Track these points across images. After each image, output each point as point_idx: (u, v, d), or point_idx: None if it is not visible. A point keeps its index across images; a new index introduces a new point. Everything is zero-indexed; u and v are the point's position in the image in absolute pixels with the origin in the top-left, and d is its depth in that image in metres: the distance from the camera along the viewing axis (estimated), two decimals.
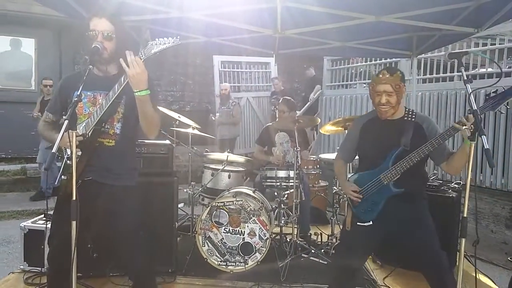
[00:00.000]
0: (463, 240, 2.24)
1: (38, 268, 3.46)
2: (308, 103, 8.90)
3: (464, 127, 2.32)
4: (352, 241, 2.87)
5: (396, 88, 2.68)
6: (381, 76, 2.69)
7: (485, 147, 2.02)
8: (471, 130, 2.19)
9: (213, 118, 8.10)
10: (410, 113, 2.80)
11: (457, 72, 6.38)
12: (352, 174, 3.06)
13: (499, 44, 5.90)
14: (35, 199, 6.64)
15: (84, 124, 2.40)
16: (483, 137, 2.05)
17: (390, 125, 2.79)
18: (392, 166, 2.68)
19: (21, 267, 3.57)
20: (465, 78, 2.22)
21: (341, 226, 4.52)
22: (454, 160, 2.59)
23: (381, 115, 2.77)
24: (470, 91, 2.16)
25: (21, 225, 3.60)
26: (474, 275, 2.91)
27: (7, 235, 5.11)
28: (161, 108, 3.94)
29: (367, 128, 2.91)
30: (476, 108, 2.13)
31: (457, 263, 2.38)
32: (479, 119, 2.10)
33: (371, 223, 2.77)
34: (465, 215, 2.19)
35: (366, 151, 2.92)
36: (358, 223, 2.81)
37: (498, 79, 2.56)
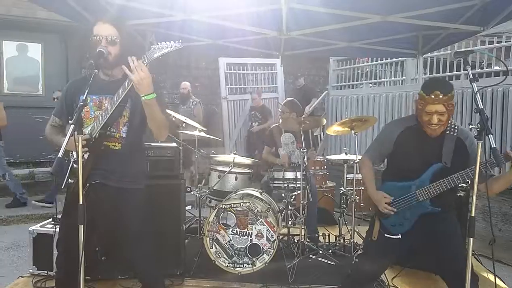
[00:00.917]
0: (471, 240, 2.21)
1: (47, 272, 3.48)
2: (312, 104, 8.84)
3: None
4: (379, 253, 2.79)
5: (449, 107, 2.51)
6: (433, 97, 2.47)
7: (492, 146, 2.01)
8: (478, 129, 2.16)
9: (173, 119, 7.64)
10: (453, 126, 2.64)
11: (463, 70, 6.34)
12: (382, 181, 2.87)
13: (506, 42, 5.85)
14: (10, 206, 6.51)
15: (90, 127, 2.42)
16: (490, 136, 2.04)
17: (431, 138, 2.63)
18: (431, 184, 2.56)
19: (30, 271, 3.60)
20: (471, 76, 2.20)
21: (348, 227, 4.55)
22: (497, 185, 2.48)
23: (429, 133, 2.61)
24: (476, 89, 2.14)
25: (29, 229, 3.62)
26: (483, 274, 2.92)
27: (16, 239, 5.15)
28: (167, 111, 3.95)
29: (405, 136, 2.73)
30: (482, 107, 2.12)
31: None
32: (485, 118, 2.08)
33: (399, 236, 2.67)
34: (472, 215, 2.17)
35: (400, 161, 2.75)
36: (386, 235, 2.71)
37: (504, 77, 2.54)
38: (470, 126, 2.25)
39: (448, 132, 2.62)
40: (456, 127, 2.64)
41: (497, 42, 5.99)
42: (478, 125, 2.13)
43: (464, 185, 3.98)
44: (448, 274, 2.68)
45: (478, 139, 2.15)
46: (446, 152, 2.56)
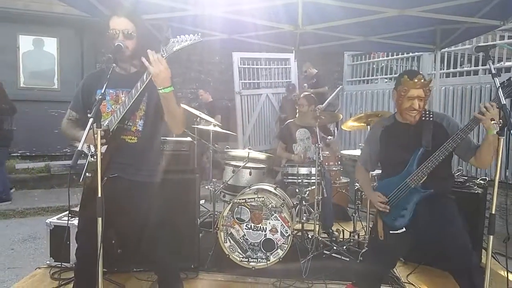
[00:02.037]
0: (491, 237, 2.18)
1: (63, 264, 3.51)
2: (328, 96, 8.81)
3: (485, 117, 2.28)
4: (385, 250, 2.84)
5: (427, 93, 2.66)
6: (416, 80, 2.62)
7: None
8: (500, 124, 2.13)
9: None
10: (427, 113, 2.75)
11: (482, 66, 6.24)
12: (377, 181, 2.99)
13: None
14: None
15: (107, 121, 2.42)
16: None
17: (409, 128, 2.75)
18: (418, 168, 2.63)
19: (47, 262, 3.65)
20: (493, 71, 2.16)
21: (363, 223, 4.53)
22: (482, 153, 2.52)
23: (409, 120, 2.72)
24: (499, 84, 2.10)
25: (47, 221, 3.67)
26: (501, 272, 2.87)
27: (33, 231, 5.22)
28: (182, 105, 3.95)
29: (386, 135, 2.87)
30: (504, 102, 2.08)
31: (485, 261, 2.31)
32: (508, 114, 2.04)
33: (404, 229, 2.71)
34: (493, 212, 2.14)
35: (388, 158, 2.87)
36: (391, 232, 2.75)
37: None
38: (493, 122, 2.21)
39: (423, 118, 2.74)
40: (430, 113, 2.75)
41: None
42: (500, 120, 2.09)
43: (482, 182, 3.94)
44: (448, 262, 2.73)
45: (500, 135, 2.11)
46: (425, 137, 2.65)
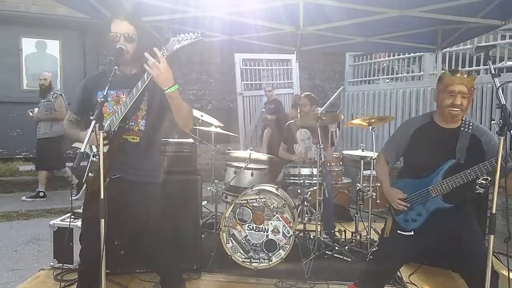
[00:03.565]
0: (492, 237, 2.18)
1: (67, 265, 3.53)
2: (328, 101, 8.84)
3: None
4: (392, 249, 2.81)
5: (471, 91, 2.54)
6: (458, 75, 2.52)
7: None
8: (500, 124, 2.13)
9: (31, 114, 6.71)
10: (467, 123, 2.62)
11: (483, 65, 6.24)
12: (397, 179, 2.89)
13: None
14: None
15: (109, 122, 2.43)
16: None
17: (446, 134, 2.64)
18: (443, 179, 2.55)
19: (51, 264, 3.67)
20: (493, 71, 2.16)
21: (365, 224, 4.53)
22: None
23: (450, 119, 2.59)
24: (499, 85, 2.10)
25: (50, 223, 3.69)
26: (503, 272, 2.86)
27: (36, 233, 5.24)
28: None
29: (420, 134, 2.74)
30: (504, 103, 2.08)
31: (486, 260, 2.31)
32: (508, 114, 2.04)
33: (412, 233, 2.67)
34: (493, 211, 2.14)
35: (415, 158, 2.76)
36: (399, 231, 2.72)
37: None
38: (493, 122, 2.22)
39: (462, 128, 2.62)
40: (471, 124, 2.63)
41: None
42: (500, 120, 2.10)
43: (484, 182, 3.93)
44: (466, 271, 2.66)
45: (500, 135, 2.12)
46: (460, 149, 2.55)
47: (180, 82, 8.91)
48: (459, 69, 2.68)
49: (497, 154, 2.19)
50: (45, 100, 6.75)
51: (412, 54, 7.68)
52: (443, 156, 2.59)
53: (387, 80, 8.47)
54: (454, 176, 2.51)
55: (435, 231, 2.64)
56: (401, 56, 8.10)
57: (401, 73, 8.45)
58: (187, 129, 2.54)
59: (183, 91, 9.10)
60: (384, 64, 8.69)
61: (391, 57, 8.36)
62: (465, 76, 2.53)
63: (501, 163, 2.24)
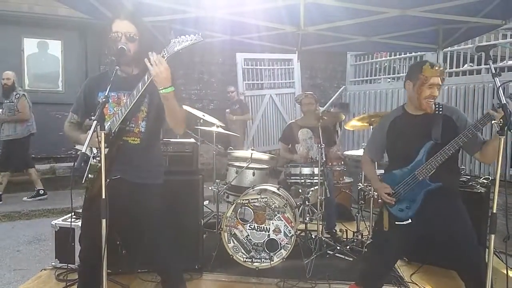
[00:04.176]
0: (493, 236, 2.19)
1: (69, 265, 3.55)
2: (330, 101, 8.82)
3: (499, 114, 2.26)
4: (389, 241, 2.86)
5: (442, 81, 2.70)
6: (436, 68, 2.65)
7: None
8: (500, 124, 2.14)
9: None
10: (437, 106, 2.76)
11: (484, 65, 6.23)
12: (383, 173, 3.00)
13: None
14: None
15: (109, 123, 2.44)
16: None
17: (419, 120, 2.76)
18: (427, 161, 2.65)
19: (53, 263, 3.68)
20: (493, 71, 2.17)
21: (366, 223, 4.54)
22: (488, 150, 2.53)
23: (428, 108, 2.71)
24: (499, 84, 2.11)
25: (52, 223, 3.69)
26: (504, 271, 2.87)
27: (38, 233, 5.25)
28: (185, 107, 3.98)
29: (395, 126, 2.88)
30: (505, 102, 2.09)
31: (487, 260, 2.31)
32: (508, 113, 2.05)
33: (410, 221, 2.73)
34: (494, 211, 2.15)
35: (396, 149, 2.88)
36: (396, 223, 2.77)
37: None
38: (493, 122, 2.23)
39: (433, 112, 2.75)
40: (440, 105, 2.76)
41: None
42: (501, 120, 2.11)
43: (485, 181, 3.94)
44: (454, 259, 2.75)
45: (500, 134, 2.12)
46: (435, 130, 2.67)
47: (182, 82, 8.97)
48: (430, 61, 2.77)
49: (468, 129, 2.47)
50: (8, 101, 6.54)
51: (413, 54, 7.68)
52: (421, 141, 2.70)
53: (388, 80, 8.48)
54: (435, 155, 2.61)
55: (430, 216, 2.70)
56: (403, 55, 8.11)
57: (403, 73, 8.45)
58: (179, 132, 2.54)
59: (185, 91, 9.15)
60: (385, 64, 8.69)
61: (392, 57, 8.36)
62: (441, 68, 2.68)
63: (472, 131, 2.47)
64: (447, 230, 2.66)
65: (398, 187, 2.78)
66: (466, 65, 6.88)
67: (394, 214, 2.80)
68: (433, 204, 2.68)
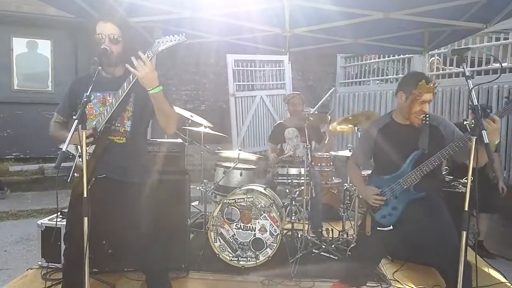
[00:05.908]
0: (464, 233, 2.31)
1: (55, 264, 3.56)
2: (320, 102, 8.88)
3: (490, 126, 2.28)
4: (371, 246, 2.93)
5: (434, 96, 2.77)
6: (431, 85, 2.70)
7: (485, 142, 2.07)
8: (472, 125, 2.21)
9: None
10: (423, 116, 2.78)
11: (469, 67, 6.32)
12: (370, 177, 3.06)
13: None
14: None
15: (95, 122, 2.47)
16: (484, 131, 2.09)
17: (407, 129, 2.81)
18: (412, 170, 2.70)
19: (39, 263, 3.68)
20: (467, 74, 2.26)
21: (352, 222, 4.59)
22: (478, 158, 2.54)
23: (416, 123, 2.75)
24: (472, 86, 2.19)
25: (38, 222, 3.70)
26: (485, 269, 2.93)
27: (26, 233, 5.26)
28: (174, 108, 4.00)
29: (383, 133, 2.92)
30: (476, 104, 2.16)
31: (459, 256, 2.39)
32: (479, 115, 2.13)
33: (391, 227, 2.79)
34: (466, 209, 2.26)
35: (383, 156, 2.92)
36: (378, 228, 2.84)
37: (498, 75, 2.59)
38: (465, 122, 2.31)
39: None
40: (427, 115, 2.79)
41: (504, 39, 5.98)
42: (472, 121, 2.18)
43: (467, 181, 3.99)
44: (435, 259, 2.81)
45: (472, 135, 2.19)
46: (422, 140, 2.73)
47: (173, 83, 8.94)
48: (424, 74, 2.82)
49: (456, 140, 2.51)
50: None
51: (402, 56, 7.77)
52: (408, 150, 2.76)
53: (377, 82, 8.56)
54: (421, 165, 2.67)
55: (411, 222, 2.75)
56: (391, 57, 8.19)
57: (391, 75, 8.54)
58: (169, 131, 2.57)
59: (176, 91, 9.15)
60: (375, 66, 8.77)
61: (381, 59, 8.45)
62: (436, 85, 2.74)
63: (460, 145, 2.51)
64: (428, 233, 2.70)
65: (382, 193, 2.84)
66: (452, 68, 6.96)
67: (377, 220, 2.86)
68: (415, 212, 2.73)
